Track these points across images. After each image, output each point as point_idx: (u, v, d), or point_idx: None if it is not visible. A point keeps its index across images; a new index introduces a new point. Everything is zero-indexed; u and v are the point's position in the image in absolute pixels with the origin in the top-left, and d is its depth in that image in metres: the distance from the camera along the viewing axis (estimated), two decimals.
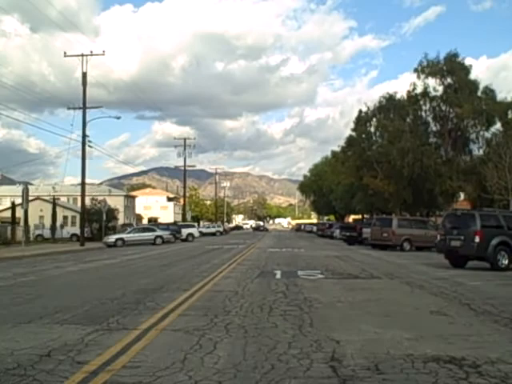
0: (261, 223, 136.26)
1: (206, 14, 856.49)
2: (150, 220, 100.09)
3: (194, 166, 73.70)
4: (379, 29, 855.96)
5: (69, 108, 39.13)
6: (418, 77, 51.49)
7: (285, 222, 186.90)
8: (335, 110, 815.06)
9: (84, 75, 38.27)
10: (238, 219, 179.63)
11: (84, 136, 38.67)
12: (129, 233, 41.38)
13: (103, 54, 38.53)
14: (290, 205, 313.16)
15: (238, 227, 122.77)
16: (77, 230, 53.91)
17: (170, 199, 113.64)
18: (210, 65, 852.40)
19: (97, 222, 52.65)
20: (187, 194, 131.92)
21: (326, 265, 19.28)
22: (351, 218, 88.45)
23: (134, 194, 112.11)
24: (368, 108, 55.41)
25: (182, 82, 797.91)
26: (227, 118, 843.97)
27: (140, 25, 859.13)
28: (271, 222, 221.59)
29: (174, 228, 47.05)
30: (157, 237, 40.70)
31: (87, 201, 53.83)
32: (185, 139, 72.63)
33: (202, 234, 70.36)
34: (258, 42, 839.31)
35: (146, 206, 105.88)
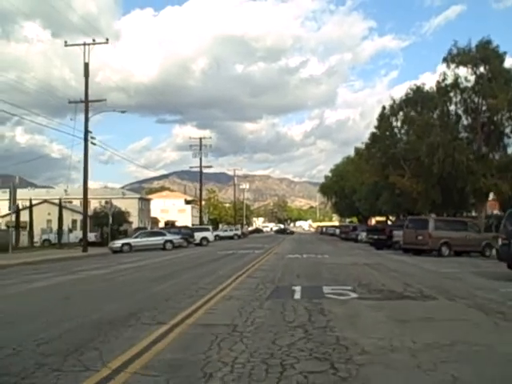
0: (282, 226, 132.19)
1: (226, 16, 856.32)
2: (166, 223, 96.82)
3: (210, 167, 70.47)
4: (399, 29, 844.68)
5: (70, 102, 35.91)
6: (448, 66, 47.19)
7: (306, 225, 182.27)
8: (355, 112, 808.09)
9: (86, 66, 35.04)
10: (258, 222, 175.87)
11: (86, 132, 35.36)
12: (136, 237, 37.93)
13: (106, 43, 35.37)
14: (311, 207, 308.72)
15: (257, 230, 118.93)
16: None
17: (187, 202, 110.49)
18: (229, 67, 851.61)
19: (107, 225, 49.63)
20: (205, 197, 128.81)
21: (357, 276, 15.42)
22: (374, 220, 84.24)
23: (150, 196, 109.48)
24: (394, 101, 51.46)
25: (201, 84, 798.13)
26: (247, 121, 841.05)
27: (160, 28, 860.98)
28: (292, 224, 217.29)
29: (187, 232, 43.56)
30: (166, 241, 37.23)
31: (96, 204, 50.80)
32: (200, 139, 69.40)
33: (220, 238, 66.94)
34: (277, 44, 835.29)
35: (163, 210, 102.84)
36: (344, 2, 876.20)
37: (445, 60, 47.70)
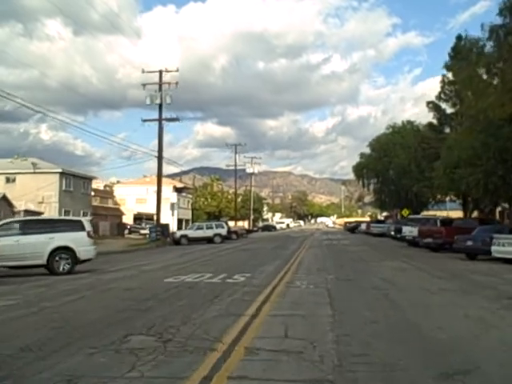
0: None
1: (247, 13, 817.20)
2: (136, 218, 66.42)
3: (176, 120, 39.51)
4: (424, 25, 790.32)
5: None
6: None
7: (329, 221, 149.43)
8: (377, 109, 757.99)
9: None
10: (275, 218, 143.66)
11: None
12: None
13: None
14: (333, 203, 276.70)
15: (267, 227, 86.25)
16: None
17: (177, 190, 79.67)
18: (250, 64, 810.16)
19: None
20: (197, 184, 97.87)
21: None
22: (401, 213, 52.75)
23: (126, 182, 79.84)
24: None
25: (222, 81, 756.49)
26: (268, 118, 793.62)
27: (182, 25, 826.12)
28: (313, 221, 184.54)
29: None
30: None
31: None
32: (160, 72, 38.76)
33: (189, 241, 36.56)
34: (299, 41, 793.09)
35: (140, 199, 72.50)
36: None
37: None
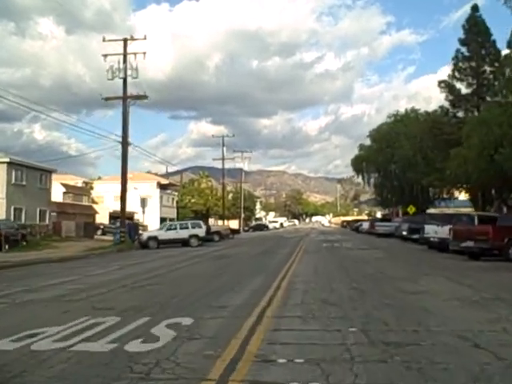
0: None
1: (241, 11, 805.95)
2: (113, 217, 59.24)
3: (145, 98, 32.45)
4: (417, 23, 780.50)
5: None
6: None
7: (325, 220, 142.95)
8: (371, 107, 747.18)
9: None
10: (269, 217, 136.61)
11: None
12: None
13: None
14: (327, 203, 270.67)
15: (258, 227, 79.25)
16: None
17: (162, 186, 72.66)
18: (244, 62, 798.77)
19: None
20: (185, 180, 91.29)
21: None
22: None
23: (108, 178, 72.94)
24: None
25: (216, 80, 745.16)
26: (262, 117, 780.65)
27: (175, 24, 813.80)
28: (308, 220, 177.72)
29: None
30: None
31: None
32: (125, 40, 31.93)
33: (159, 244, 29.81)
34: (293, 39, 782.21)
35: (118, 196, 65.18)
36: None
37: None
